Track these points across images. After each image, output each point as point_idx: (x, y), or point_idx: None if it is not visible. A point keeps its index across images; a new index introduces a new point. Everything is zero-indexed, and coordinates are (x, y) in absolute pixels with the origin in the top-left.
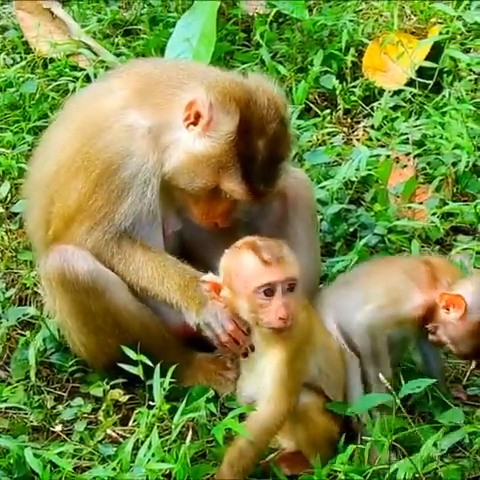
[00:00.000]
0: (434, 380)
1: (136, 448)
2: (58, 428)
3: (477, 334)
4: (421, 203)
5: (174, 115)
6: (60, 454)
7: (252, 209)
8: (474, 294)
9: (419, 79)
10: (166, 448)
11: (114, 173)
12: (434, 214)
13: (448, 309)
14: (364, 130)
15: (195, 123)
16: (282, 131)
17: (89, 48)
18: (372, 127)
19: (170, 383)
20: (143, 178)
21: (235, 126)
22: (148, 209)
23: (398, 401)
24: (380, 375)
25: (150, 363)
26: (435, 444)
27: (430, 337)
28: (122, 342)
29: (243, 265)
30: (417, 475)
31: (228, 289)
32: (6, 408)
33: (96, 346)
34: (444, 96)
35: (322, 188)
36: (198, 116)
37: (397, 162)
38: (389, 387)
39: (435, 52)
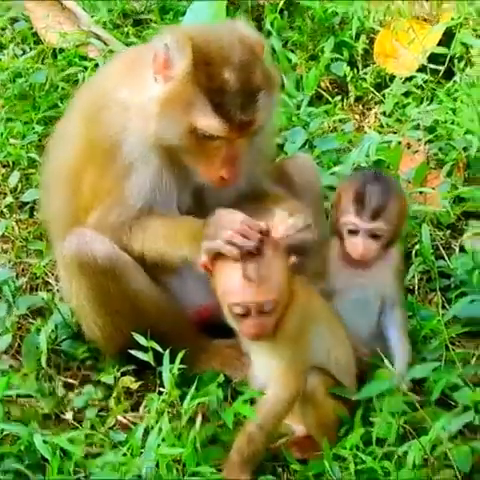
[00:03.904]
0: (439, 363)
1: (147, 434)
2: (69, 415)
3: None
4: (432, 188)
5: (150, 81)
6: (71, 441)
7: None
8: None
9: (430, 65)
10: (176, 433)
11: (116, 152)
12: (445, 199)
13: None
14: (375, 117)
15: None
16: (250, 60)
17: (99, 38)
18: (383, 113)
19: (181, 369)
20: (141, 152)
21: (190, 58)
22: (158, 186)
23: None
24: (385, 359)
25: (161, 349)
26: (444, 426)
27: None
28: (138, 326)
29: (225, 277)
30: (426, 457)
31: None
32: (17, 396)
33: (112, 329)
34: (455, 82)
35: (332, 174)
36: (159, 64)
37: (408, 148)
38: (393, 370)
39: (447, 38)
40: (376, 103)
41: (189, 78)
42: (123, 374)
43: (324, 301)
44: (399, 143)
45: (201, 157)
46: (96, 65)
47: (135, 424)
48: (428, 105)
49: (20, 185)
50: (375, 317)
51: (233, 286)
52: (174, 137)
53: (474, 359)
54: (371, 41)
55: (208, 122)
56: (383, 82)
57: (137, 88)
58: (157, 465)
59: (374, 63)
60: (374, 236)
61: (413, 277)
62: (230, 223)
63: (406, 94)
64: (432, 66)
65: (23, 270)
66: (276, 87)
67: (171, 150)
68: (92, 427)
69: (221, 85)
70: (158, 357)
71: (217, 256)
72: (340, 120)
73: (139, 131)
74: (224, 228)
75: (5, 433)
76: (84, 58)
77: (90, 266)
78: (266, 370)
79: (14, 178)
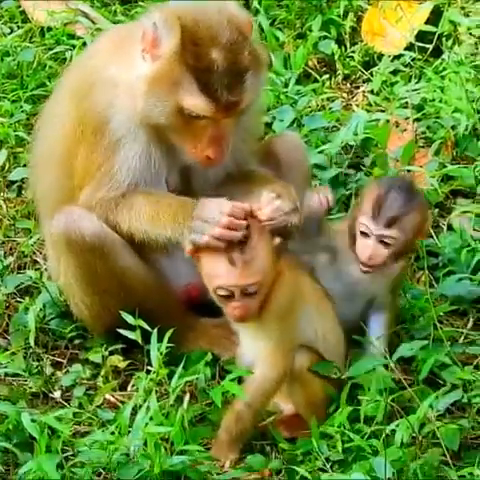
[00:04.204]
0: (426, 342)
1: (135, 413)
2: (57, 394)
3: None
4: (421, 167)
5: (138, 59)
6: (59, 419)
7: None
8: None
9: (418, 43)
10: (164, 412)
11: (104, 128)
12: (433, 177)
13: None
14: (363, 95)
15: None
16: (239, 40)
17: (86, 16)
18: (371, 92)
19: (169, 347)
20: (129, 129)
21: (178, 38)
22: (147, 162)
23: (392, 364)
24: (373, 338)
25: (149, 328)
26: (432, 405)
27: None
28: (126, 304)
29: (209, 261)
30: (414, 435)
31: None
32: (5, 375)
33: (100, 308)
34: (443, 60)
35: (320, 152)
36: (148, 42)
37: (396, 126)
38: (383, 351)
39: (435, 16)
40: (364, 81)
41: (176, 57)
42: (111, 353)
43: (312, 281)
44: (387, 121)
45: (188, 136)
46: (84, 43)
47: (123, 403)
48: (416, 83)
49: (8, 164)
50: (359, 309)
51: (217, 269)
52: (161, 116)
53: (462, 337)
54: (359, 19)
55: (194, 102)
56: (371, 60)
57: (125, 66)
58: (145, 444)
59: (362, 41)
60: (385, 243)
61: None
62: (216, 217)
63: (394, 72)
64: (420, 44)
65: (11, 249)
66: (264, 67)
67: (159, 128)
68: (80, 406)
69: (208, 65)
70: (146, 336)
71: None
72: (328, 98)
73: (127, 108)
74: (211, 223)
75: None
76: (72, 36)
77: (78, 244)
78: (254, 349)
79: (2, 157)
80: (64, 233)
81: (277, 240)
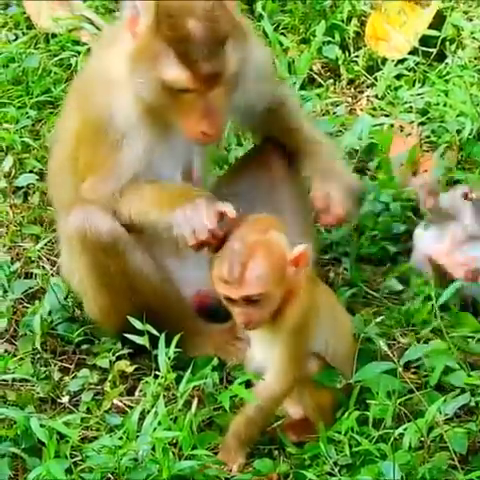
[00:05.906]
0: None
1: (143, 417)
2: (65, 399)
3: None
4: (426, 171)
5: (127, 45)
6: (67, 424)
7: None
8: None
9: (422, 48)
10: (172, 417)
11: (105, 127)
12: (439, 182)
13: None
14: (368, 99)
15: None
16: (215, 8)
17: (91, 22)
18: (376, 96)
19: (176, 352)
20: (129, 125)
21: (153, 12)
22: (149, 159)
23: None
24: (381, 342)
25: (157, 333)
26: (440, 409)
27: None
28: (135, 307)
29: (216, 265)
30: (422, 439)
31: None
32: (13, 380)
33: (111, 307)
34: (447, 64)
35: None
36: (129, 24)
37: (401, 130)
38: (390, 354)
39: (438, 20)
40: (368, 86)
41: (152, 30)
42: (118, 358)
43: (329, 292)
44: (391, 126)
45: (180, 113)
46: (89, 50)
47: (131, 408)
48: (420, 87)
49: (14, 170)
50: None
51: (218, 276)
52: (149, 94)
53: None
54: (362, 24)
55: (173, 74)
56: (375, 65)
57: (115, 57)
58: (153, 448)
59: (366, 46)
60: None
61: None
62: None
63: (398, 77)
64: (424, 48)
65: (18, 254)
66: (246, 36)
67: (157, 114)
68: (88, 411)
69: (184, 35)
70: (153, 341)
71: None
72: (332, 103)
73: (124, 100)
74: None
75: (1, 417)
76: (77, 43)
77: (92, 242)
78: (266, 355)
79: (8, 163)
80: (79, 231)
81: (301, 248)
